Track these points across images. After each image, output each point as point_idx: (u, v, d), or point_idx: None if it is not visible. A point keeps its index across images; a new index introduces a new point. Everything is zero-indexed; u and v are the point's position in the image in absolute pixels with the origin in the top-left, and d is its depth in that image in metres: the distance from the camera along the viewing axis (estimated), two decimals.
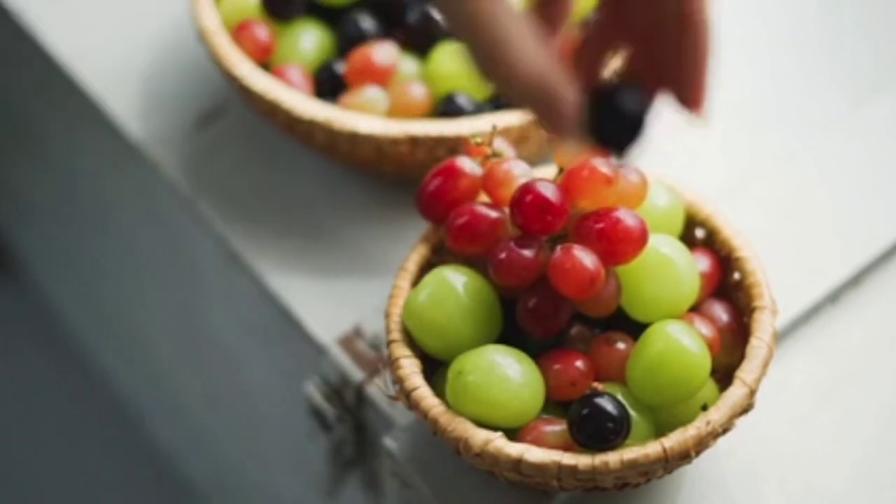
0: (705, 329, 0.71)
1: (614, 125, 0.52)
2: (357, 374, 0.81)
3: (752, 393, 0.68)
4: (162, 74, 0.94)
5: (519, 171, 0.72)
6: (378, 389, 0.78)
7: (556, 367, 0.69)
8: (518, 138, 0.81)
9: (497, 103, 0.84)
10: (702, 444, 0.67)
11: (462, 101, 0.83)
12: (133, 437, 1.42)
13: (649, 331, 0.69)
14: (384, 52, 0.85)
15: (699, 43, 0.50)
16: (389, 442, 0.74)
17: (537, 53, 0.50)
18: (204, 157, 0.91)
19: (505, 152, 0.75)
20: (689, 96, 0.52)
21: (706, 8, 0.49)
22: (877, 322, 0.80)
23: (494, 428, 0.68)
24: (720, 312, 0.73)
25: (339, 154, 0.84)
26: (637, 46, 0.52)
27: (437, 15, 0.86)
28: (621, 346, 0.70)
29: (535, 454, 0.66)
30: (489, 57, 0.50)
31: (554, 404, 0.70)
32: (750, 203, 0.85)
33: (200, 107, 0.93)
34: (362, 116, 0.82)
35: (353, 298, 0.83)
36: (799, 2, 0.96)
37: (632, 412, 0.68)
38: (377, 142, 0.81)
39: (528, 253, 0.69)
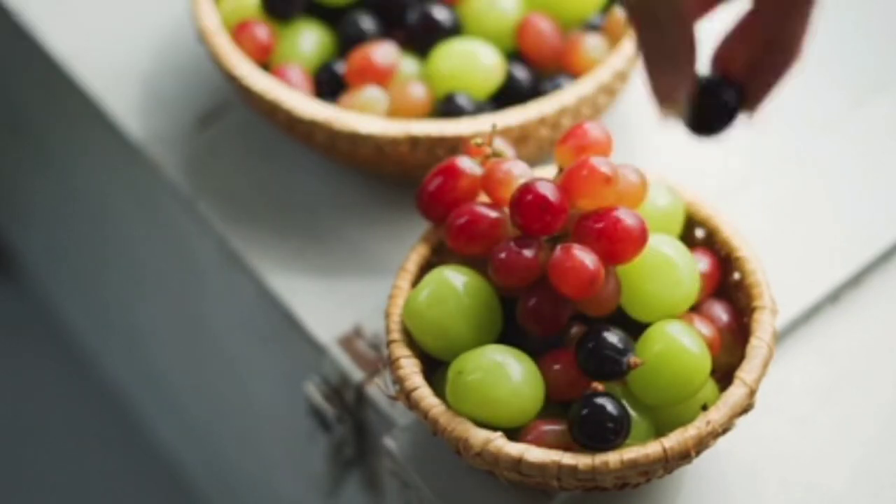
0: (705, 329, 0.71)
1: (714, 115, 0.60)
2: (357, 374, 0.81)
3: (752, 393, 0.68)
4: (162, 74, 0.94)
5: (519, 171, 0.72)
6: (378, 389, 0.78)
7: (556, 367, 0.70)
8: (518, 138, 0.81)
9: (497, 103, 0.85)
10: (702, 444, 0.67)
11: (462, 101, 0.83)
12: (133, 437, 1.42)
13: (649, 331, 0.69)
14: (384, 52, 0.85)
15: (786, 64, 0.59)
16: (389, 442, 0.74)
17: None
18: (204, 157, 0.91)
19: (505, 152, 0.75)
20: (755, 98, 0.60)
21: (804, 42, 0.58)
22: (877, 322, 0.80)
23: (494, 428, 0.68)
24: (720, 312, 0.73)
25: (339, 154, 0.84)
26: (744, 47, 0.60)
27: (438, 14, 0.86)
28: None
29: (535, 454, 0.66)
30: None
31: (554, 404, 0.70)
32: (750, 203, 0.85)
33: (200, 107, 0.93)
34: (362, 116, 0.82)
35: (353, 298, 0.83)
36: None
37: (632, 412, 0.68)
38: (377, 142, 0.81)
39: (528, 253, 0.69)
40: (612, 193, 0.69)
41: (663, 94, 0.59)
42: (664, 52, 0.57)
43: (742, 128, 0.62)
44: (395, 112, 0.83)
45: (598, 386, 0.68)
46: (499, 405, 0.68)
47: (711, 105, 0.60)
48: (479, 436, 0.67)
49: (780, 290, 0.73)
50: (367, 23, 0.87)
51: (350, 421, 0.83)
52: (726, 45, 0.60)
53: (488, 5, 0.86)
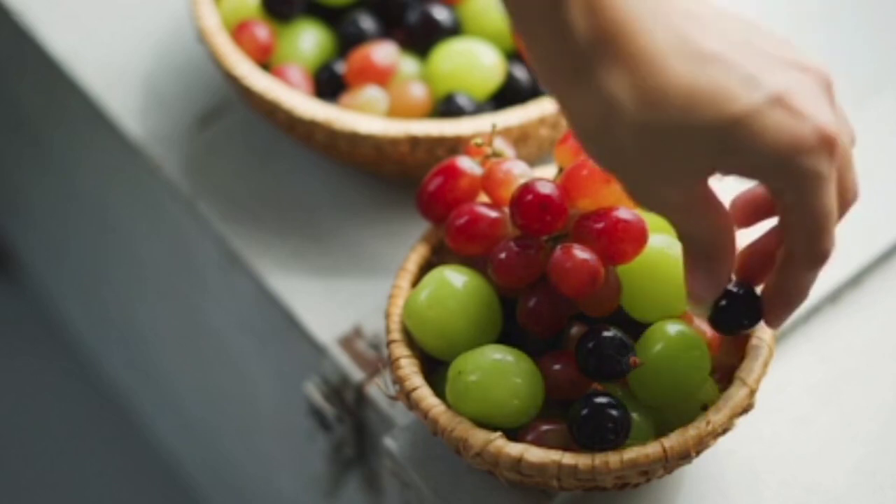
0: (705, 329, 0.71)
1: (735, 322, 0.67)
2: (357, 374, 0.81)
3: (752, 393, 0.68)
4: (162, 74, 0.94)
5: (519, 171, 0.72)
6: (378, 389, 0.78)
7: (556, 367, 0.69)
8: (518, 138, 0.81)
9: (497, 103, 0.84)
10: (702, 444, 0.67)
11: (462, 101, 0.83)
12: (133, 437, 1.42)
13: (649, 331, 0.69)
14: (384, 52, 0.85)
15: (795, 304, 0.65)
16: (389, 442, 0.74)
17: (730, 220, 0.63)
18: (204, 157, 0.91)
19: (505, 152, 0.75)
20: (773, 320, 0.66)
21: (809, 286, 0.64)
22: (876, 322, 0.80)
23: (494, 428, 0.68)
24: None
25: (339, 154, 0.84)
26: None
27: (438, 14, 0.86)
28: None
29: (535, 454, 0.66)
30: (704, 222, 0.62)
31: (554, 404, 0.70)
32: None
33: (200, 107, 0.93)
34: (362, 116, 0.82)
35: (353, 298, 0.83)
36: (799, 1, 0.96)
37: (632, 412, 0.68)
38: (377, 142, 0.81)
39: (528, 253, 0.69)
40: (612, 193, 0.69)
41: (696, 297, 0.65)
42: (706, 268, 0.63)
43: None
44: (395, 112, 0.83)
45: (598, 386, 0.68)
46: (499, 405, 0.68)
47: (735, 312, 0.66)
48: (479, 436, 0.67)
49: None
50: (367, 23, 0.87)
51: (350, 421, 0.83)
52: (749, 267, 0.67)
53: (488, 5, 0.86)
